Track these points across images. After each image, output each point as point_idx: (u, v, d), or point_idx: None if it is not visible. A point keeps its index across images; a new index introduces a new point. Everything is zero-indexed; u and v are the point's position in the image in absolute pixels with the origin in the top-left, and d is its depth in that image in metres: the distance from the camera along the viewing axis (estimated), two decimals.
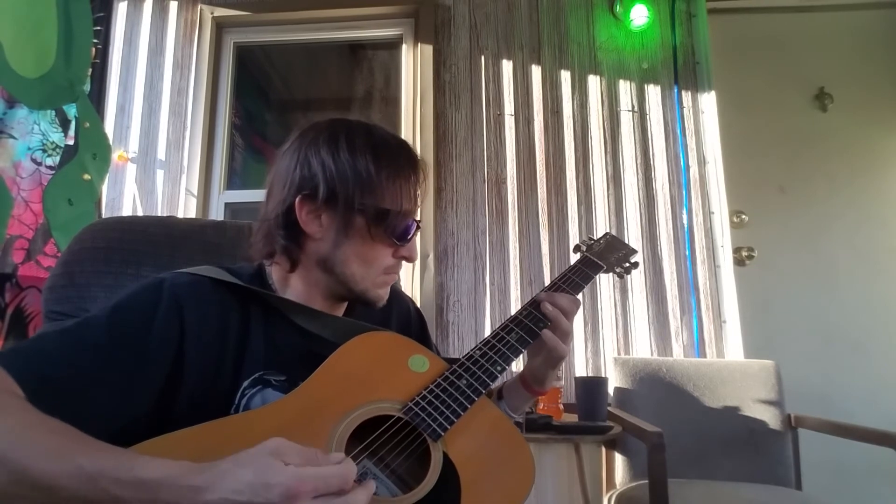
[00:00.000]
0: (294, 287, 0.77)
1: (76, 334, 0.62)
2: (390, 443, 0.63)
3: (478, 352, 0.74)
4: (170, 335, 0.65)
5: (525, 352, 0.78)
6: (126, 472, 0.45)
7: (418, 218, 0.78)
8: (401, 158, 0.74)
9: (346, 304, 0.82)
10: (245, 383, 0.68)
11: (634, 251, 0.98)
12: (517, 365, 0.91)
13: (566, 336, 0.79)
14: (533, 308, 0.81)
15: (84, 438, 0.49)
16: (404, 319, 0.93)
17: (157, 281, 0.69)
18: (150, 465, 0.46)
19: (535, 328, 0.78)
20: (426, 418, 0.64)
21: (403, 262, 0.78)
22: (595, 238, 0.98)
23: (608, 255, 0.94)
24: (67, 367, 0.58)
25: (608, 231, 1.09)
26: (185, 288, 0.68)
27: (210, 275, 0.72)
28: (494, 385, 0.74)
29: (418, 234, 0.79)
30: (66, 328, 0.62)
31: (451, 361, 0.74)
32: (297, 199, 0.71)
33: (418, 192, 0.76)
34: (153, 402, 0.63)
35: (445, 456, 0.62)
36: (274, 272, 0.78)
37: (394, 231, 0.73)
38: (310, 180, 0.71)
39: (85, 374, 0.59)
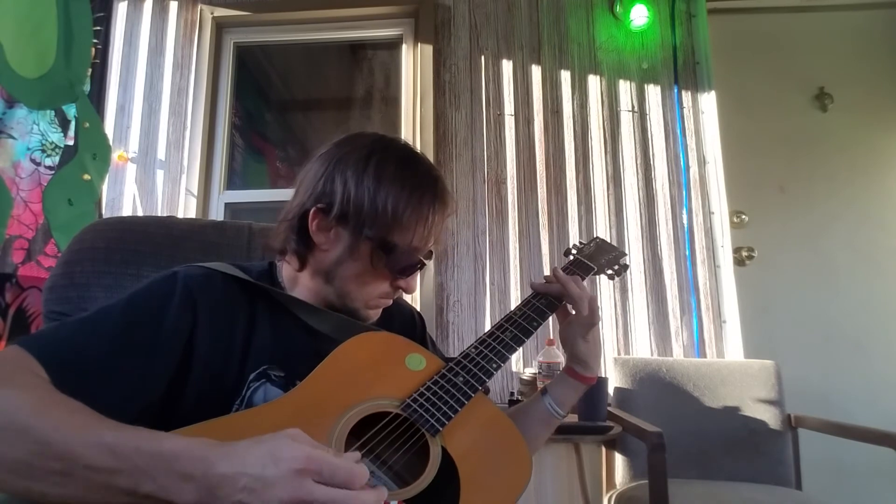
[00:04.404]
0: (301, 287, 0.79)
1: (94, 322, 0.64)
2: (388, 439, 0.63)
3: (473, 350, 0.76)
4: (182, 325, 0.66)
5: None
6: (147, 443, 0.47)
7: (429, 256, 0.78)
8: (426, 197, 0.73)
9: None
10: (252, 376, 0.69)
11: (624, 254, 1.00)
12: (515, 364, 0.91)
13: (580, 300, 0.81)
14: (526, 307, 0.82)
15: (104, 417, 0.51)
16: (407, 324, 0.93)
17: (172, 273, 0.71)
18: (171, 438, 0.49)
19: (529, 326, 0.80)
20: (424, 414, 0.65)
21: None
22: (584, 242, 1.00)
23: (598, 257, 0.96)
24: (85, 353, 0.60)
25: (597, 235, 1.12)
26: (198, 280, 0.70)
27: (221, 269, 0.74)
28: (490, 381, 0.75)
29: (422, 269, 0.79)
30: (86, 316, 0.64)
31: (448, 360, 0.75)
32: (312, 210, 0.73)
33: (435, 232, 0.76)
34: (164, 390, 0.64)
35: (444, 450, 0.63)
36: (284, 269, 0.80)
37: (394, 266, 0.74)
38: (328, 195, 0.73)
39: (102, 361, 0.61)
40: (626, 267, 0.99)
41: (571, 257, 0.95)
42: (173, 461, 0.46)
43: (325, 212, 0.73)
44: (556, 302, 0.84)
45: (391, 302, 0.81)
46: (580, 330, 0.82)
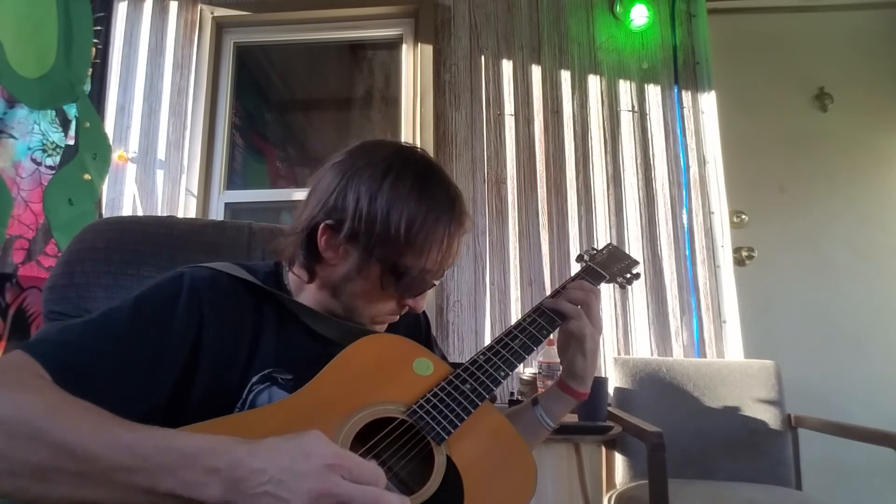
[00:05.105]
0: (307, 294, 0.77)
1: (100, 324, 0.63)
2: (394, 445, 0.63)
3: (482, 357, 0.74)
4: (189, 326, 0.66)
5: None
6: (166, 440, 0.47)
7: (439, 277, 0.75)
8: (443, 219, 0.70)
9: None
10: (254, 379, 0.69)
11: (636, 262, 0.98)
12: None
13: (587, 322, 0.78)
14: (537, 315, 0.81)
15: (118, 417, 0.50)
16: (413, 325, 0.92)
17: (178, 274, 0.70)
18: (189, 435, 0.48)
19: (539, 335, 0.78)
20: (430, 421, 0.64)
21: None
22: (598, 248, 0.99)
23: (611, 265, 0.94)
24: (91, 356, 0.59)
25: (610, 242, 1.09)
26: (204, 282, 0.69)
27: (228, 271, 0.73)
28: (497, 390, 0.74)
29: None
30: (91, 318, 0.64)
31: (455, 366, 0.74)
32: (322, 225, 0.71)
33: (449, 254, 0.73)
34: (169, 393, 0.64)
35: (449, 459, 0.62)
36: (291, 275, 0.79)
37: (404, 290, 0.73)
38: (339, 212, 0.70)
39: (108, 363, 0.60)
40: (637, 276, 0.96)
41: (584, 264, 0.93)
42: (197, 457, 0.46)
43: (334, 228, 0.70)
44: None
45: (398, 318, 0.80)
46: (578, 345, 0.80)
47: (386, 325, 0.80)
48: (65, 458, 0.46)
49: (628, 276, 0.96)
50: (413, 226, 0.68)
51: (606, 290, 2.11)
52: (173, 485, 0.45)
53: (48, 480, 0.46)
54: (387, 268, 0.70)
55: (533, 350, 0.77)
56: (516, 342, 0.77)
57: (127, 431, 0.48)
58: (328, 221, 0.70)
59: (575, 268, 0.95)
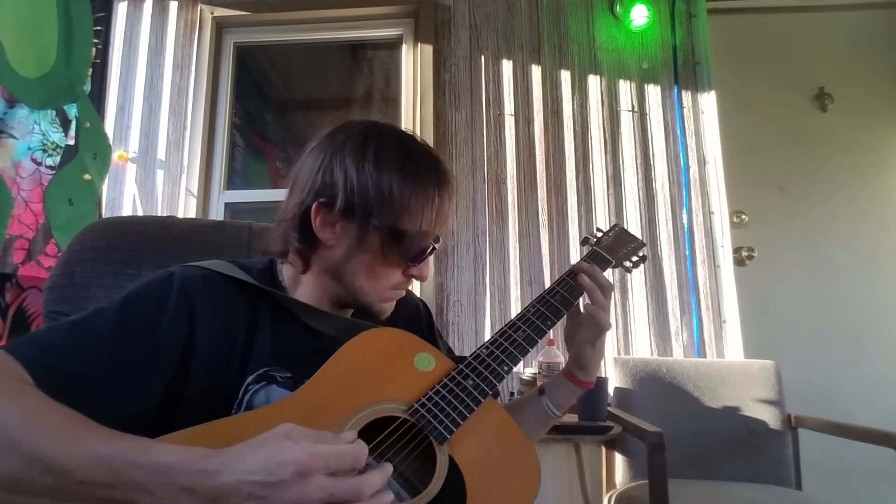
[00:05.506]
0: (304, 287, 0.76)
1: (87, 325, 0.61)
2: (396, 445, 0.62)
3: (485, 351, 0.73)
4: (180, 328, 0.64)
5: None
6: (142, 455, 0.45)
7: (437, 241, 0.76)
8: (430, 178, 0.71)
9: (352, 310, 0.82)
10: (249, 379, 0.67)
11: (643, 244, 0.95)
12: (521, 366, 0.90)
13: (603, 306, 0.79)
14: (541, 304, 0.80)
15: (98, 426, 0.49)
16: (413, 318, 0.91)
17: (168, 273, 0.68)
18: (165, 449, 0.46)
19: (543, 326, 0.77)
20: (432, 420, 0.63)
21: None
22: (604, 231, 0.95)
23: (617, 248, 0.91)
24: (77, 358, 0.58)
25: (617, 223, 1.06)
26: (195, 281, 0.68)
27: (220, 270, 0.71)
28: (500, 385, 0.74)
29: (433, 254, 0.77)
30: (77, 319, 0.62)
31: (458, 360, 0.73)
32: (314, 205, 0.70)
33: (442, 214, 0.74)
34: (161, 395, 0.62)
35: (451, 459, 0.62)
36: (286, 270, 0.78)
37: (407, 253, 0.72)
38: (329, 188, 0.70)
39: (95, 365, 0.58)
40: (644, 258, 0.94)
41: (590, 248, 0.91)
42: (170, 474, 0.44)
43: (327, 206, 0.70)
44: (573, 299, 0.81)
45: (405, 293, 0.79)
46: (590, 335, 0.80)
47: (394, 304, 0.78)
48: (39, 472, 0.44)
49: (635, 259, 0.93)
50: (404, 188, 0.69)
51: None
52: (151, 501, 0.44)
53: (22, 492, 0.45)
54: (386, 233, 0.70)
55: (537, 342, 0.76)
56: (520, 334, 0.76)
57: (104, 445, 0.46)
58: (321, 200, 0.70)
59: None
